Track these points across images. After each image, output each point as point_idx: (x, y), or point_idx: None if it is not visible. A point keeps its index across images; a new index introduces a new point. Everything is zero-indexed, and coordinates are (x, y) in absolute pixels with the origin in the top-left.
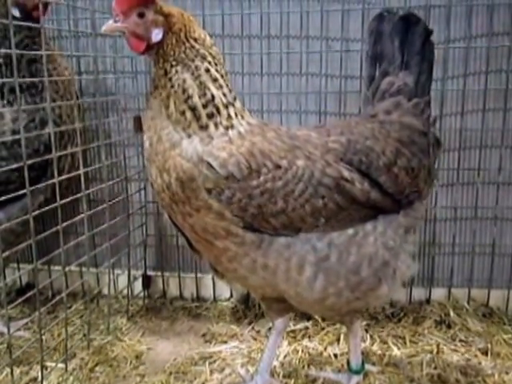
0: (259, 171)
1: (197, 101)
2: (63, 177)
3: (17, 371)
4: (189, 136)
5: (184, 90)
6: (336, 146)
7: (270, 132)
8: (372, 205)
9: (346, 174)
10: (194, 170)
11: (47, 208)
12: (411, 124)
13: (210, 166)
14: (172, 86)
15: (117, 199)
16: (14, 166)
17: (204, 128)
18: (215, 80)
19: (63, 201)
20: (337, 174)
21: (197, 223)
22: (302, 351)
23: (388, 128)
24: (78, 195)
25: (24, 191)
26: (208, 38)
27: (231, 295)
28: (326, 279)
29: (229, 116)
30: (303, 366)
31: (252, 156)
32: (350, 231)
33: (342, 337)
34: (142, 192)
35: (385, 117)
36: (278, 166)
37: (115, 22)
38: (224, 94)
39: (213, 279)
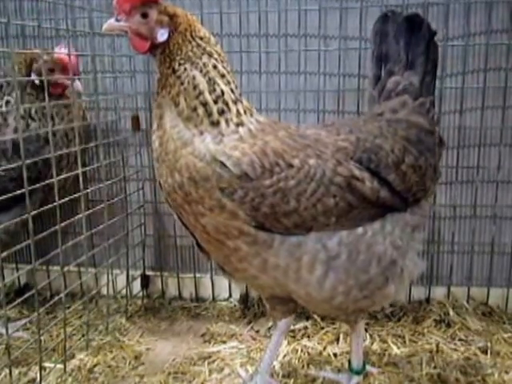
0: (272, 170)
1: (207, 96)
2: (58, 180)
3: (15, 372)
4: (201, 133)
5: (195, 87)
6: (346, 145)
7: (281, 131)
8: (381, 203)
9: (357, 172)
10: (208, 169)
11: (46, 208)
12: (418, 123)
13: (223, 165)
14: (182, 84)
15: (115, 199)
16: (14, 166)
17: (215, 124)
18: (223, 76)
19: (61, 200)
20: (348, 172)
21: (209, 223)
22: (302, 351)
23: (395, 126)
24: (77, 195)
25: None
26: (212, 36)
27: (230, 295)
28: (336, 277)
29: (238, 112)
30: (303, 366)
31: (265, 155)
32: (360, 230)
33: (341, 336)
34: (141, 192)
35: (391, 115)
36: (291, 165)
37: (117, 20)
38: (232, 90)
39: (211, 279)
